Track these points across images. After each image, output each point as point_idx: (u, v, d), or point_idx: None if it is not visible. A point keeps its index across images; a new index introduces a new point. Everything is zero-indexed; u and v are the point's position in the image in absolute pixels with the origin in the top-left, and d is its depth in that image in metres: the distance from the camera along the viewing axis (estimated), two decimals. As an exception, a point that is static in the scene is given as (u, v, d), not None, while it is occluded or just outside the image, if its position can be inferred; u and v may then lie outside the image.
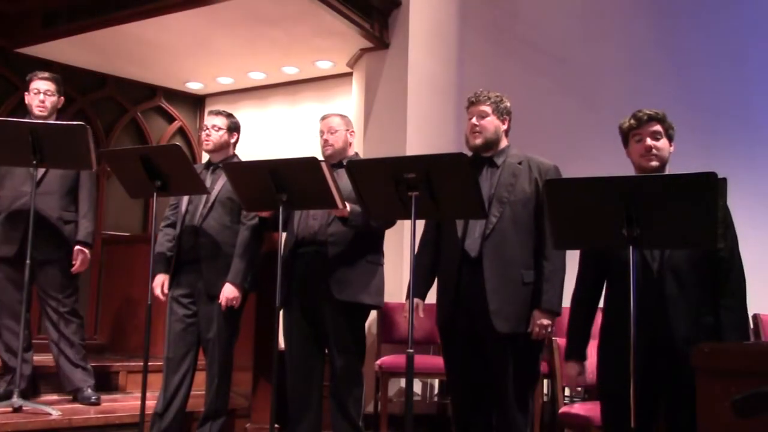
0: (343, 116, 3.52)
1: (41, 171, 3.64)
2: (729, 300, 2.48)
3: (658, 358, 2.44)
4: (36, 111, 3.72)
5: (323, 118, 3.50)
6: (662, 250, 2.50)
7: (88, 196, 3.78)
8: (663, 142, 2.59)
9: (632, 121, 2.61)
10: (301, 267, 3.32)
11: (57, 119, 3.80)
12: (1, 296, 3.65)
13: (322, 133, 3.45)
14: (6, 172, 3.71)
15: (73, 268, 3.69)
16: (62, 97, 3.85)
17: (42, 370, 3.82)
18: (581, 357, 2.69)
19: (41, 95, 3.72)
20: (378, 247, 3.38)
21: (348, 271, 3.25)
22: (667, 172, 2.60)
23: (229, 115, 3.64)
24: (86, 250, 3.72)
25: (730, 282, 2.49)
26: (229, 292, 3.36)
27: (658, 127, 2.58)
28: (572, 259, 2.97)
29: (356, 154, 3.53)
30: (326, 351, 3.39)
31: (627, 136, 2.64)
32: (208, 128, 3.57)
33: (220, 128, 3.57)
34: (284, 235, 3.15)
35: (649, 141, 2.57)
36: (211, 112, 3.66)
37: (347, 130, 3.46)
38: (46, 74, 3.80)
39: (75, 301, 3.79)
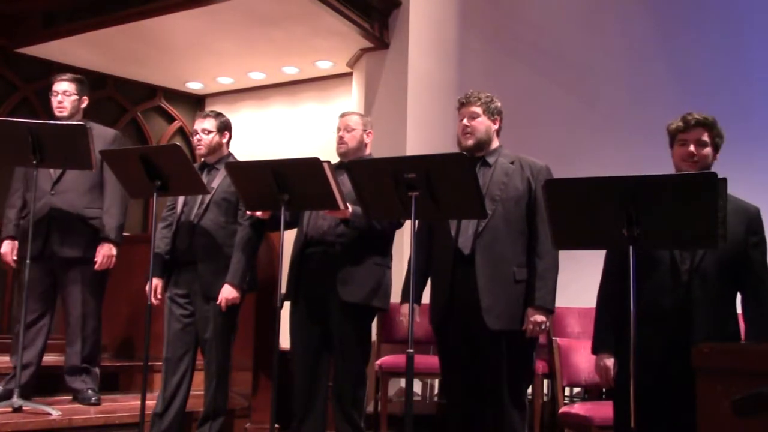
0: (362, 115, 3.52)
1: (60, 169, 3.65)
2: (760, 310, 2.45)
3: (675, 359, 2.41)
4: (56, 112, 3.71)
5: (342, 115, 3.48)
6: (693, 253, 2.48)
7: (112, 191, 3.70)
8: (707, 151, 2.55)
9: (680, 124, 2.57)
10: (309, 267, 3.32)
11: (81, 120, 3.78)
12: (27, 295, 3.63)
13: (338, 129, 3.43)
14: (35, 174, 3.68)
15: (96, 265, 3.64)
16: (86, 98, 3.81)
17: (43, 370, 3.82)
18: (611, 349, 2.62)
19: (59, 96, 3.71)
20: (385, 250, 3.38)
21: (355, 272, 3.24)
22: None
23: (218, 115, 3.61)
24: (109, 246, 3.66)
25: (762, 292, 2.47)
26: (228, 292, 3.36)
27: (704, 135, 2.54)
28: (568, 258, 2.97)
29: (371, 155, 3.49)
30: (331, 351, 3.39)
31: (673, 137, 2.60)
32: (198, 132, 3.56)
33: (210, 131, 3.55)
34: (286, 234, 3.15)
35: (692, 147, 2.54)
36: (199, 116, 3.63)
37: (365, 130, 3.44)
38: (67, 75, 3.78)
39: (95, 302, 3.72)
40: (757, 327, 2.44)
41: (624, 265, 2.61)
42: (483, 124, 3.03)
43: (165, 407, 3.42)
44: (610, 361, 2.61)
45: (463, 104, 3.07)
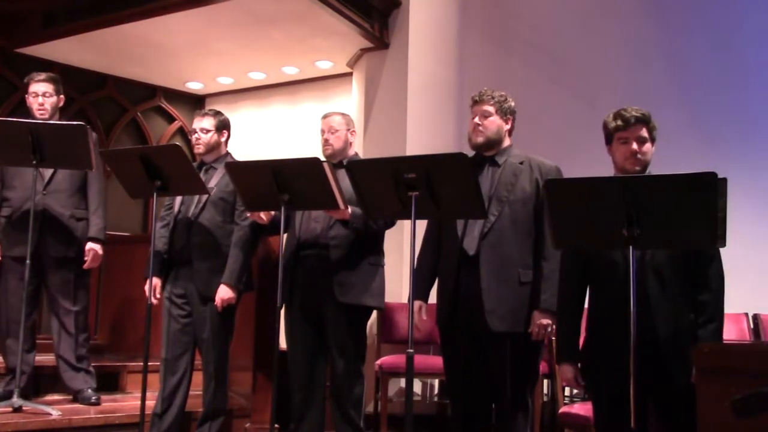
0: (344, 115, 3.51)
1: (50, 170, 3.67)
2: (706, 295, 2.46)
3: (643, 358, 2.40)
4: (37, 114, 3.71)
5: (324, 117, 3.48)
6: (643, 250, 2.48)
7: (97, 193, 3.78)
8: (648, 147, 2.56)
9: (619, 122, 2.56)
10: (303, 269, 3.32)
11: (59, 119, 3.80)
12: (12, 296, 3.64)
13: (322, 132, 3.44)
14: (16, 172, 3.69)
15: (85, 264, 3.69)
16: (62, 96, 3.84)
17: (42, 370, 3.82)
18: (574, 359, 2.64)
19: (40, 98, 3.71)
20: (378, 249, 3.38)
21: (350, 273, 3.24)
22: (650, 173, 2.57)
23: (217, 114, 3.61)
24: (98, 246, 3.72)
25: (709, 277, 2.47)
26: (223, 293, 3.36)
27: (644, 132, 2.55)
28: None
29: (356, 154, 3.52)
30: (327, 352, 3.39)
31: (612, 136, 2.60)
32: (197, 131, 3.56)
33: (208, 130, 3.54)
34: (286, 235, 3.15)
35: (635, 146, 2.54)
36: (197, 114, 3.63)
37: (348, 129, 3.45)
38: (43, 75, 3.79)
39: (85, 300, 3.79)
40: (705, 312, 2.44)
41: (580, 269, 2.63)
42: (495, 123, 3.01)
43: (164, 408, 3.42)
44: (571, 372, 2.62)
45: (476, 102, 3.04)
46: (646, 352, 2.40)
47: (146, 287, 3.37)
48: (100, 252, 3.74)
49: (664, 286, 2.46)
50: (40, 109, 3.71)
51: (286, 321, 3.40)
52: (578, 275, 2.65)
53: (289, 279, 3.33)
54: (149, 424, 3.38)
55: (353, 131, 3.48)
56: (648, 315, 2.43)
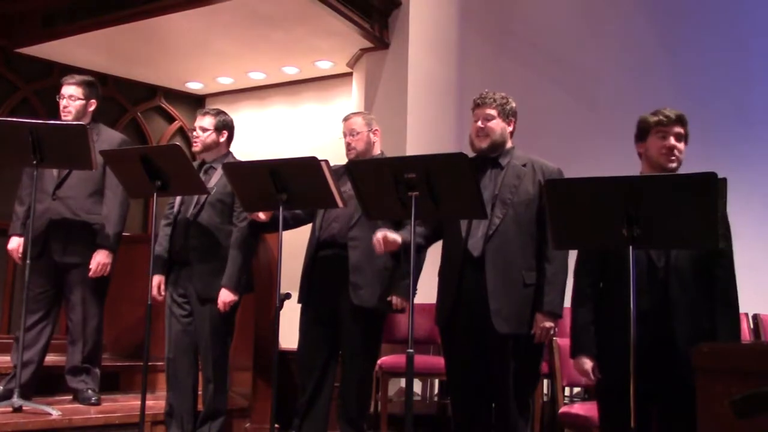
0: (365, 115, 3.48)
1: (63, 172, 3.65)
2: (726, 306, 2.45)
3: (659, 358, 2.43)
4: (61, 116, 3.70)
5: (345, 120, 3.45)
6: (668, 250, 2.48)
7: (112, 198, 3.69)
8: (683, 146, 2.58)
9: (660, 117, 2.57)
10: (320, 269, 3.32)
11: (90, 123, 3.76)
12: (28, 296, 3.63)
13: (344, 135, 3.41)
14: (40, 175, 3.62)
15: (90, 273, 3.61)
16: (93, 101, 3.77)
17: (43, 370, 3.81)
18: (591, 351, 2.61)
19: (65, 100, 3.69)
20: (397, 253, 3.36)
21: (366, 275, 3.23)
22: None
23: (218, 113, 3.58)
24: (104, 253, 3.64)
25: (729, 286, 2.46)
26: (225, 296, 3.35)
27: (682, 130, 2.57)
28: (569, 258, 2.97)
29: (382, 153, 3.46)
30: (340, 352, 3.38)
31: (649, 131, 2.59)
32: (196, 129, 3.55)
33: (206, 129, 3.53)
34: (284, 235, 3.15)
35: (673, 141, 2.55)
36: (199, 113, 3.60)
37: (370, 129, 3.40)
38: (74, 79, 3.75)
39: (95, 305, 3.70)
40: (726, 323, 2.43)
41: (597, 264, 2.62)
42: (498, 126, 2.99)
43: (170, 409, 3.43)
44: (589, 364, 2.59)
45: (478, 105, 3.01)
46: (661, 353, 2.40)
47: (151, 285, 3.36)
48: (107, 260, 3.64)
49: (686, 288, 2.45)
50: (63, 111, 3.69)
51: (302, 320, 3.39)
52: (593, 270, 2.64)
53: (308, 279, 3.33)
54: (149, 423, 3.39)
55: (376, 130, 3.43)
56: (668, 316, 2.43)
